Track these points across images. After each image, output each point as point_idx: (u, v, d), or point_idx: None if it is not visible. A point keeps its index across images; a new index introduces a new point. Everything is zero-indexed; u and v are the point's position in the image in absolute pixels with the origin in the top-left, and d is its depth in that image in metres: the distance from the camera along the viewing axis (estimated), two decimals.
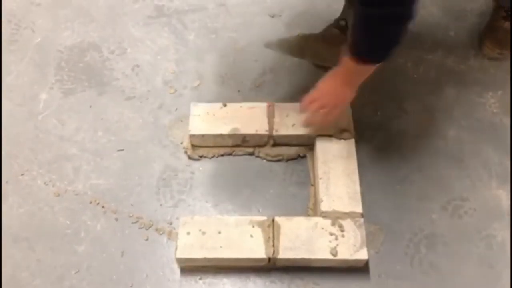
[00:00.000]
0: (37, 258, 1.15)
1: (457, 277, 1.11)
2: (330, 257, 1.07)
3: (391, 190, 1.23)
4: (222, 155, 1.28)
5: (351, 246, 1.08)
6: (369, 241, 1.12)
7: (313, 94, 1.13)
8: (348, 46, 1.01)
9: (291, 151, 1.27)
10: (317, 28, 1.44)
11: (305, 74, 1.41)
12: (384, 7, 0.88)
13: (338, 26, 1.38)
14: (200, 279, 1.11)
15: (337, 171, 1.18)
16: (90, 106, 1.37)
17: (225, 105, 1.29)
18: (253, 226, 1.11)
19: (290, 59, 1.44)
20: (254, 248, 1.08)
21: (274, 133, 1.24)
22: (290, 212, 1.19)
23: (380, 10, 0.88)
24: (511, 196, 1.21)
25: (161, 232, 1.18)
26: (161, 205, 1.22)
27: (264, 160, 1.28)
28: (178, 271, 1.12)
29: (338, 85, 1.09)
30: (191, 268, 1.12)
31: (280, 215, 1.16)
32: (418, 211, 1.20)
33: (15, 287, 1.11)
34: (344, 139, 1.22)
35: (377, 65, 1.02)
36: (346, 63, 1.03)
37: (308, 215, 1.19)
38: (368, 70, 1.03)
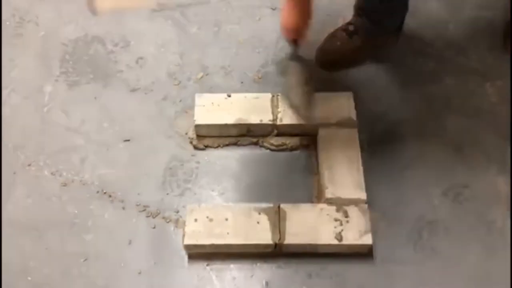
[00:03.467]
0: (46, 247, 1.16)
1: (458, 261, 1.14)
2: (336, 242, 1.09)
3: (393, 177, 1.25)
4: (227, 145, 1.30)
5: (356, 232, 1.10)
6: (373, 227, 1.14)
7: (281, 23, 1.15)
8: None
9: (295, 140, 1.29)
10: (318, 21, 1.45)
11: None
12: None
13: (347, 30, 1.40)
14: (207, 265, 1.13)
15: (340, 159, 1.20)
16: (95, 98, 1.39)
17: (229, 96, 1.31)
18: (259, 213, 1.13)
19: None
20: (261, 234, 1.10)
21: (278, 122, 1.26)
22: (295, 200, 1.21)
23: None
24: (511, 183, 1.23)
25: (168, 220, 1.19)
26: (167, 194, 1.23)
27: (268, 150, 1.30)
28: (185, 258, 1.14)
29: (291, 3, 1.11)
30: (198, 255, 1.14)
31: (285, 203, 1.18)
32: (420, 198, 1.22)
33: (24, 275, 1.12)
34: (347, 128, 1.24)
35: None
36: None
37: (313, 203, 1.21)
38: None
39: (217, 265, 1.13)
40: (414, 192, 1.23)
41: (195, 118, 1.26)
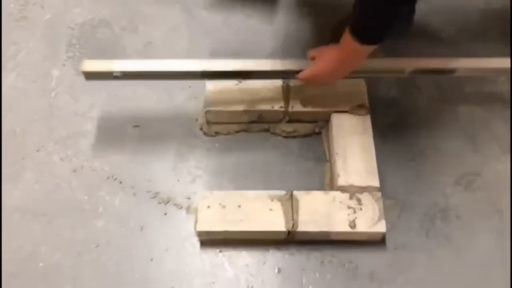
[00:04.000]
0: (57, 233, 1.15)
1: (471, 249, 1.14)
2: (349, 229, 1.08)
3: (405, 165, 1.25)
4: (237, 132, 1.29)
5: (369, 219, 1.10)
6: (385, 215, 1.13)
7: (313, 71, 1.15)
8: (352, 25, 1.03)
9: (307, 127, 1.28)
10: (329, 7, 1.44)
11: None
12: None
13: None
14: (220, 251, 1.13)
15: (353, 146, 1.19)
16: (103, 83, 1.37)
17: (240, 82, 1.29)
18: (272, 200, 1.12)
19: (303, 37, 1.45)
20: (274, 221, 1.09)
21: (290, 109, 1.24)
22: (307, 187, 1.20)
23: None
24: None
25: (179, 207, 1.19)
26: (178, 180, 1.22)
27: (280, 137, 1.29)
28: (198, 244, 1.14)
29: (335, 66, 1.11)
30: (210, 241, 1.13)
31: (298, 189, 1.17)
32: (432, 186, 1.22)
33: (36, 261, 1.12)
34: (360, 115, 1.23)
35: (376, 46, 1.04)
36: (347, 42, 1.04)
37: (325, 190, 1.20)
38: (366, 52, 1.05)
39: (230, 252, 1.13)
40: (426, 180, 1.23)
41: (205, 104, 1.25)
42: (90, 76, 1.18)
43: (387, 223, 1.13)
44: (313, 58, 1.16)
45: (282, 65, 1.19)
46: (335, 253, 1.13)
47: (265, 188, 1.20)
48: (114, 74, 1.15)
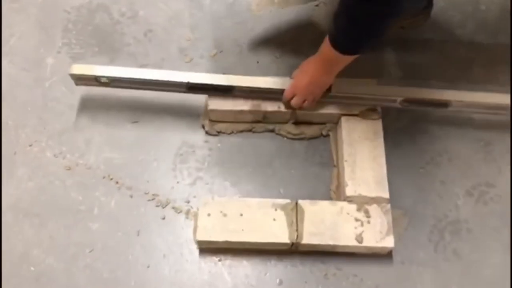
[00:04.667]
0: (50, 235, 1.10)
1: (481, 265, 1.10)
2: (356, 243, 1.04)
3: (415, 173, 1.19)
4: (241, 131, 1.23)
5: (377, 233, 1.05)
6: (393, 227, 1.08)
7: (293, 86, 1.11)
8: (329, 34, 0.98)
9: (314, 129, 1.22)
10: None
11: None
12: (375, 4, 0.85)
13: None
14: (219, 260, 1.08)
15: (363, 153, 1.13)
16: None
17: None
18: (276, 209, 1.07)
19: (312, 28, 1.37)
20: (277, 232, 1.05)
21: (298, 111, 1.18)
22: (312, 193, 1.15)
23: (367, 5, 0.86)
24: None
25: (178, 211, 1.13)
26: (178, 182, 1.17)
27: (285, 138, 1.22)
28: (196, 252, 1.09)
29: (317, 74, 1.07)
30: (210, 249, 1.08)
31: (302, 196, 1.12)
32: (442, 196, 1.17)
33: (28, 264, 1.07)
34: (371, 119, 1.17)
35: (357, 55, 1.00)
36: (326, 51, 1.00)
37: (331, 198, 1.15)
38: (348, 59, 1.00)
39: (230, 261, 1.08)
40: (437, 190, 1.17)
41: (208, 103, 1.18)
42: (79, 81, 1.13)
43: (394, 234, 1.08)
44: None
45: (265, 83, 1.15)
46: (340, 265, 1.09)
47: (269, 192, 1.16)
48: (102, 80, 1.09)
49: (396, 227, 1.11)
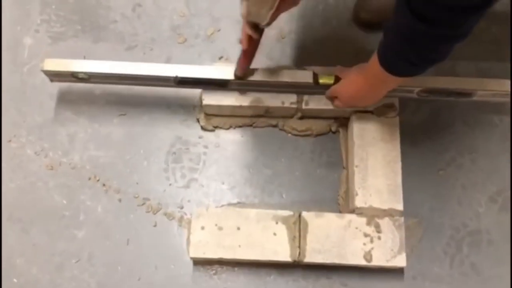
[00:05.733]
0: (33, 243, 1.02)
1: (501, 281, 1.00)
2: (364, 262, 0.94)
3: (433, 176, 1.07)
4: (240, 126, 1.10)
5: (388, 251, 0.95)
6: (406, 237, 0.98)
7: (337, 91, 0.98)
8: (381, 51, 0.80)
9: (322, 125, 1.09)
10: None
11: (341, 28, 1.18)
12: (438, 26, 0.68)
13: None
14: (214, 274, 1.00)
15: (376, 157, 1.01)
16: (84, 57, 1.15)
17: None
18: (276, 222, 0.97)
19: (323, 4, 1.20)
20: (278, 249, 0.95)
21: (304, 106, 1.04)
22: (318, 199, 1.05)
23: (426, 26, 0.68)
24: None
25: (170, 218, 1.04)
26: (170, 184, 1.06)
27: (290, 134, 1.10)
28: (190, 264, 1.01)
29: (362, 91, 0.92)
30: (205, 261, 1.00)
31: (306, 202, 1.03)
32: (462, 202, 1.06)
33: (10, 275, 1.00)
34: (387, 117, 1.03)
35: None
36: (374, 67, 0.82)
37: (339, 204, 1.04)
38: (399, 80, 0.83)
39: (226, 274, 1.00)
40: (456, 195, 1.06)
41: (203, 97, 1.05)
42: (54, 77, 1.00)
43: (406, 247, 0.98)
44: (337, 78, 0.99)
45: (266, 76, 1.01)
46: (346, 280, 1.00)
47: (270, 197, 1.05)
48: (80, 76, 0.96)
49: (409, 238, 1.02)
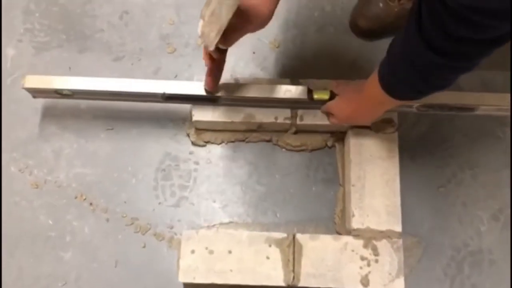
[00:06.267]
0: (18, 265, 0.99)
1: None
2: (360, 287, 0.91)
3: (433, 192, 1.03)
4: (232, 141, 1.06)
5: (385, 274, 0.91)
6: (404, 257, 0.95)
7: (333, 108, 0.93)
8: (383, 73, 0.75)
9: (317, 139, 1.05)
10: None
11: (338, 35, 1.13)
12: (456, 60, 0.63)
13: None
14: None
15: (374, 176, 0.96)
16: (70, 68, 1.11)
17: (236, 80, 1.03)
18: (270, 245, 0.93)
19: (318, 11, 1.15)
20: (271, 273, 0.91)
21: (298, 121, 1.00)
22: (314, 218, 1.01)
23: (433, 56, 0.63)
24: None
25: (160, 239, 1.00)
26: (159, 203, 1.02)
27: (284, 150, 1.06)
28: (181, 287, 0.97)
29: (359, 111, 0.88)
30: (196, 286, 0.96)
31: (301, 221, 0.99)
32: (463, 221, 1.02)
33: None
34: (385, 133, 0.99)
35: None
36: (375, 87, 0.77)
37: (335, 223, 1.01)
38: (398, 103, 0.79)
39: None
40: (457, 213, 1.02)
41: (192, 113, 1.00)
42: (37, 93, 0.95)
43: (405, 266, 0.95)
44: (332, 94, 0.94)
45: (257, 92, 0.96)
46: None
47: (263, 216, 1.02)
48: (64, 92, 0.91)
49: (408, 258, 0.98)
